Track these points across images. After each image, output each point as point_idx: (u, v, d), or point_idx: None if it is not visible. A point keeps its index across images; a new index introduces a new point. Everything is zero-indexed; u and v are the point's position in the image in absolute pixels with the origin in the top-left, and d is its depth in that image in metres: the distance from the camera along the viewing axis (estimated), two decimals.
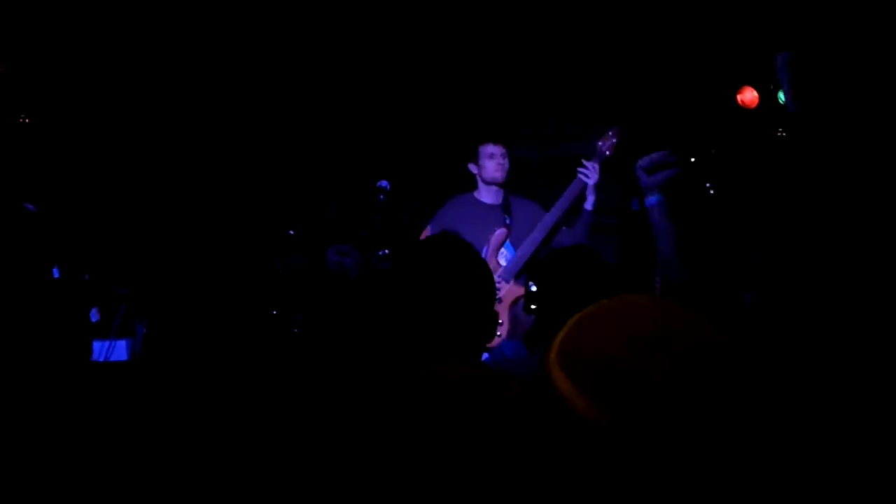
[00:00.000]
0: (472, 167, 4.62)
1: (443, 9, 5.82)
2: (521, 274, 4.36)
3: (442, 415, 1.36)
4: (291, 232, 5.58)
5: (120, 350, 4.84)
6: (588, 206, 4.38)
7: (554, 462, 0.89)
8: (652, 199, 2.37)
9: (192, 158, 6.31)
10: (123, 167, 6.28)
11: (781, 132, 6.41)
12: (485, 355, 3.91)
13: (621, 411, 0.84)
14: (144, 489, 2.02)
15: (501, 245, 4.40)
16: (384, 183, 4.64)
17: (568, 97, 6.57)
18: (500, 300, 4.29)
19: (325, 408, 1.60)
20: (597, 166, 4.37)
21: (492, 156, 4.55)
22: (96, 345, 4.54)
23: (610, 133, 4.47)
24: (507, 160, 4.56)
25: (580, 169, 4.38)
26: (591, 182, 4.35)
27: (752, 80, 6.12)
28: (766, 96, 6.20)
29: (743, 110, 6.24)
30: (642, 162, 2.35)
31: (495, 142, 4.59)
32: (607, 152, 4.43)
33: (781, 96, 6.09)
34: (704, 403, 0.84)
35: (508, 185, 4.64)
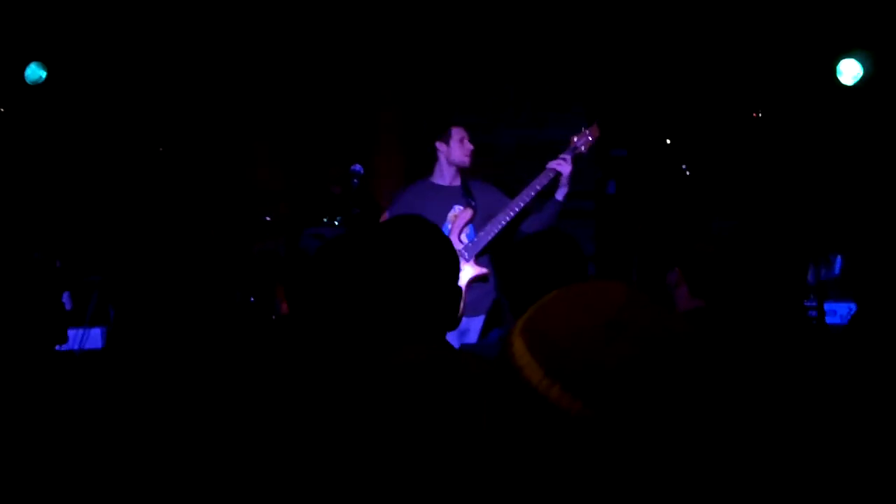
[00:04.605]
0: (441, 145, 4.43)
1: None
2: (482, 255, 4.28)
3: (407, 398, 1.37)
4: (268, 218, 5.55)
5: (94, 338, 4.81)
6: (559, 196, 4.27)
7: (514, 443, 0.90)
8: None
9: (164, 147, 6.27)
10: (96, 158, 6.25)
11: (757, 114, 6.45)
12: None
13: (576, 390, 0.84)
14: (116, 481, 2.00)
15: (467, 225, 4.31)
16: (357, 167, 4.55)
17: (545, 83, 6.57)
18: None
19: (298, 396, 1.59)
20: (569, 158, 4.25)
21: (462, 140, 4.40)
22: (70, 332, 4.51)
23: (587, 132, 4.36)
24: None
25: (551, 162, 4.27)
26: (563, 173, 4.24)
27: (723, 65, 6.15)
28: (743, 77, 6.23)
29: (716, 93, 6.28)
30: None
31: (466, 126, 4.47)
32: (582, 148, 4.33)
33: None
34: (660, 394, 0.85)
35: (471, 169, 4.53)
